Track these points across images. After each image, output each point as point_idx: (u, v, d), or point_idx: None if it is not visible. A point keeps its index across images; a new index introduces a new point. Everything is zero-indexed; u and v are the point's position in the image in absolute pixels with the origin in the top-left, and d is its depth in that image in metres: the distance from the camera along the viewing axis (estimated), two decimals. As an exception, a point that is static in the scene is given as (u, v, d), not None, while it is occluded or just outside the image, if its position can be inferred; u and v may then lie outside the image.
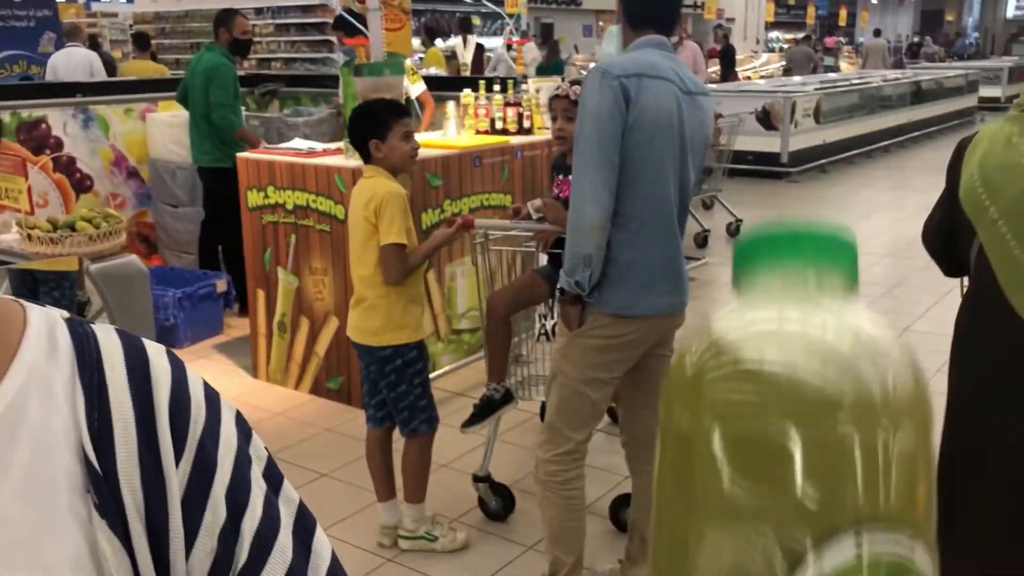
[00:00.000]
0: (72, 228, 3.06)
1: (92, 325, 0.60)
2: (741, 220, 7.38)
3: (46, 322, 0.58)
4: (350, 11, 4.30)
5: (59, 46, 7.27)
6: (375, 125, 2.87)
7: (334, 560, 0.61)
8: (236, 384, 4.41)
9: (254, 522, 0.57)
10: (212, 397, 0.60)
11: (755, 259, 0.32)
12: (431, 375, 4.46)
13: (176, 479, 0.55)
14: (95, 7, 20.40)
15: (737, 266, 0.32)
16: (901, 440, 0.30)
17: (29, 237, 3.05)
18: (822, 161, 11.15)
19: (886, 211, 8.99)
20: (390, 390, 2.92)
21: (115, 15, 19.78)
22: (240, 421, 0.61)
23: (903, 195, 9.89)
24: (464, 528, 3.12)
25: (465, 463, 3.58)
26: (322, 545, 0.62)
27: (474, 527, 3.21)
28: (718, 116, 6.54)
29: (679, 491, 0.31)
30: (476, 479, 3.23)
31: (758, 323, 0.31)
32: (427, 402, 2.99)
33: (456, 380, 4.48)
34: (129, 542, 0.53)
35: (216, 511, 0.56)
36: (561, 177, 3.49)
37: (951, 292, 6.05)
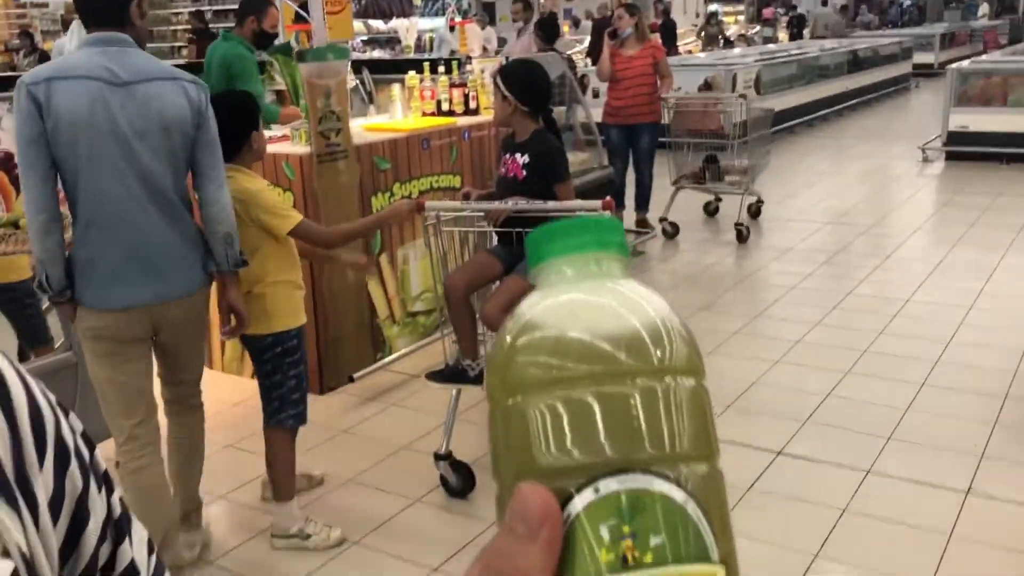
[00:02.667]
0: (16, 226, 3.02)
1: None
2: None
3: None
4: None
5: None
6: (251, 115, 2.86)
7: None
8: None
9: (95, 472, 0.67)
10: (48, 396, 0.66)
11: (544, 250, 0.38)
12: (387, 358, 4.50)
13: (42, 478, 0.61)
14: (23, -3, 19.79)
15: (531, 259, 0.38)
16: (679, 390, 0.35)
17: (-29, 236, 3.00)
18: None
19: (828, 179, 9.17)
20: (265, 379, 2.92)
21: (46, 5, 19.23)
22: (53, 402, 0.67)
23: (843, 163, 10.10)
24: (339, 526, 3.05)
25: (425, 443, 3.61)
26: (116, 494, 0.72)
27: (437, 506, 3.25)
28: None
29: (506, 461, 0.36)
30: (437, 458, 3.26)
31: (555, 303, 0.37)
32: (300, 396, 2.95)
33: (411, 362, 4.50)
34: (19, 511, 0.58)
35: (74, 484, 0.64)
36: (508, 156, 3.53)
37: (891, 256, 6.23)
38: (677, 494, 0.34)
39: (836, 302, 5.30)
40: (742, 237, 6.58)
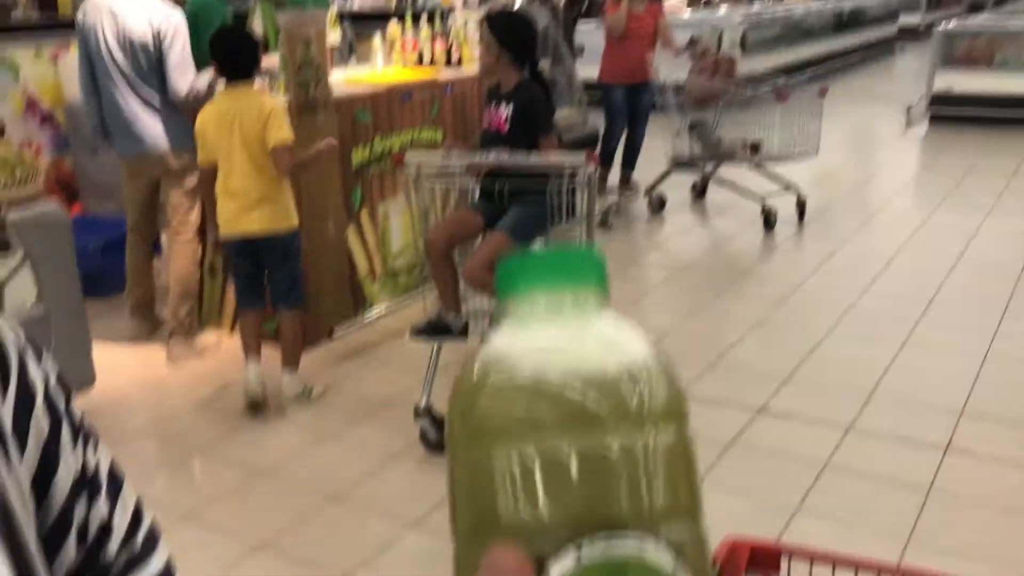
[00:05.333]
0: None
1: None
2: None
3: None
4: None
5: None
6: (256, 43, 3.51)
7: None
8: (199, 341, 4.29)
9: (70, 421, 0.65)
10: (15, 333, 0.64)
11: (516, 283, 0.34)
12: (368, 315, 4.46)
13: (5, 410, 0.59)
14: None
15: (501, 291, 0.35)
16: (660, 440, 0.32)
17: (-60, 185, 2.92)
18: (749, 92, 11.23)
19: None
20: (278, 270, 3.49)
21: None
22: (23, 340, 0.65)
23: (827, 124, 10.01)
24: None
25: (405, 399, 3.59)
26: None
27: (417, 459, 3.23)
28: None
29: (466, 515, 0.33)
30: (417, 413, 3.24)
31: (526, 341, 0.33)
32: (301, 278, 3.58)
33: (392, 321, 4.47)
34: None
35: (39, 427, 0.62)
36: (492, 107, 3.46)
37: (873, 217, 6.23)
38: (666, 560, 0.31)
39: (819, 263, 5.29)
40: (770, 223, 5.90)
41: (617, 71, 6.31)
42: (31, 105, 5.14)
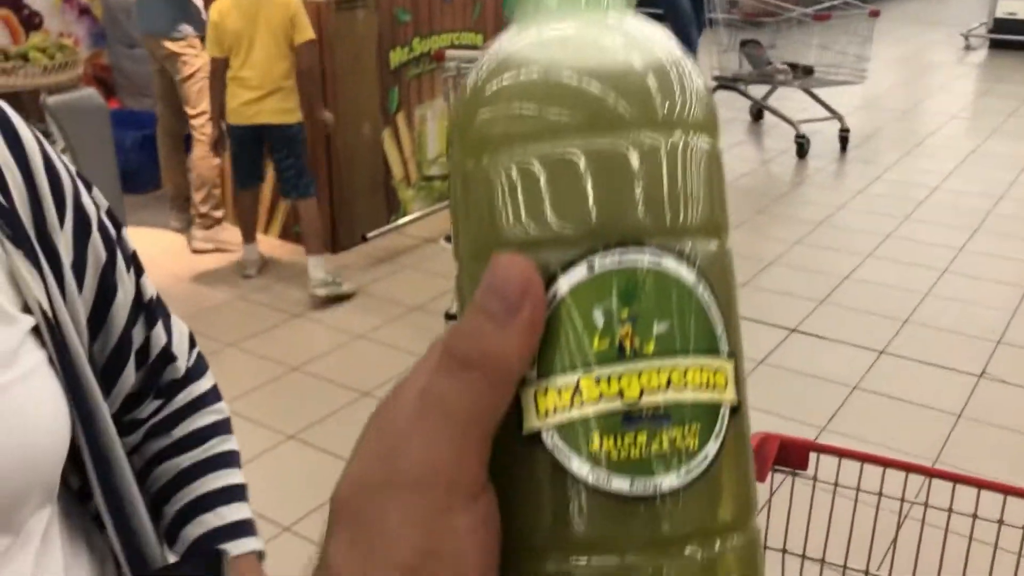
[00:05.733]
0: (25, 58, 2.92)
1: None
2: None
3: None
4: None
5: None
6: None
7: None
8: (224, 232, 4.32)
9: (123, 250, 0.67)
10: (66, 163, 0.63)
11: None
12: (401, 220, 4.44)
13: (63, 239, 0.59)
14: None
15: None
16: (690, 146, 0.29)
17: (-21, 68, 2.91)
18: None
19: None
20: (286, 159, 3.57)
21: None
22: (73, 171, 0.65)
23: (880, 48, 9.67)
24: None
25: (437, 305, 3.60)
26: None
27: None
28: None
29: (468, 234, 0.30)
30: (448, 316, 3.25)
31: (535, 38, 0.29)
32: (307, 167, 3.69)
33: (426, 226, 4.45)
34: (40, 270, 0.56)
35: (97, 253, 0.63)
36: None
37: (922, 144, 6.05)
38: (687, 274, 0.28)
39: (862, 187, 5.17)
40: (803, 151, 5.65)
41: None
42: (69, -4, 5.10)
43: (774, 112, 5.94)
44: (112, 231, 0.66)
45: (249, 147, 3.62)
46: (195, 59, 3.91)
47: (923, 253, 4.22)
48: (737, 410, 0.29)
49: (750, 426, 0.31)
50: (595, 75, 0.28)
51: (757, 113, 6.33)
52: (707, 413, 0.28)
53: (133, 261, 0.68)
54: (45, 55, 2.93)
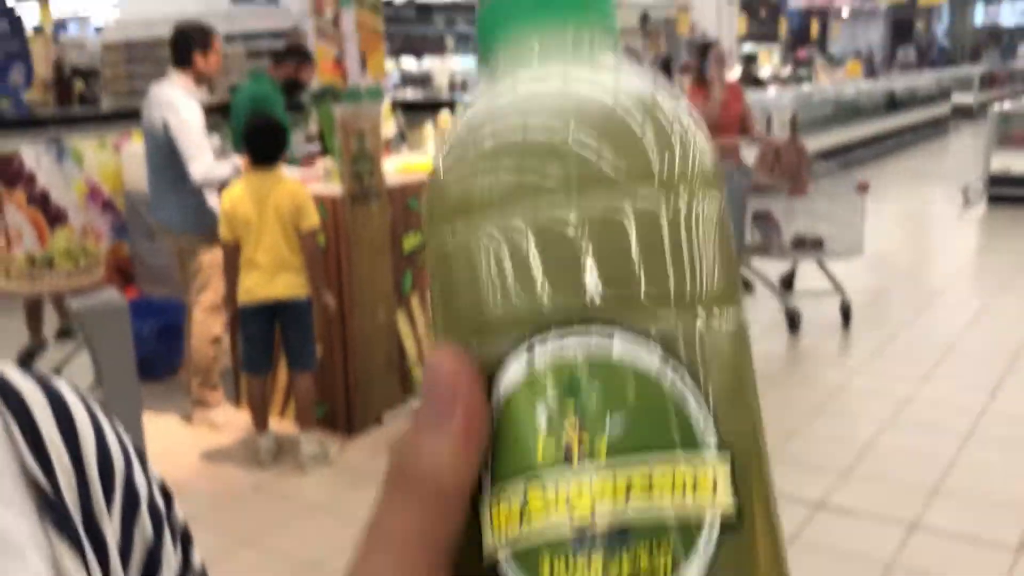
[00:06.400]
0: (50, 264, 3.01)
1: None
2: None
3: None
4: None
5: (29, 78, 7.20)
6: (286, 133, 3.76)
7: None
8: (218, 415, 4.33)
9: (172, 525, 0.65)
10: (121, 438, 0.64)
11: (499, 21, 0.27)
12: (415, 401, 4.43)
13: (111, 524, 0.59)
14: (63, 37, 20.33)
15: (483, 36, 0.27)
16: (695, 206, 0.25)
17: (7, 273, 3.00)
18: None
19: (867, 220, 9.02)
20: (295, 333, 3.71)
21: (83, 45, 19.69)
22: (128, 447, 0.65)
23: (881, 205, 9.91)
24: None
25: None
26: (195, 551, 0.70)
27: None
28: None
29: (436, 315, 0.27)
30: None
31: (503, 93, 0.26)
32: (314, 342, 3.81)
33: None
34: (85, 560, 0.55)
35: (144, 534, 0.61)
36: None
37: (933, 302, 6.08)
38: (648, 357, 0.24)
39: (876, 347, 5.16)
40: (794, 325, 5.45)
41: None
42: (94, 192, 5.31)
43: (765, 283, 5.81)
44: (162, 507, 0.65)
45: (260, 328, 3.70)
46: (204, 254, 4.05)
47: (945, 416, 4.15)
48: (738, 520, 0.25)
49: (776, 537, 0.26)
50: (572, 125, 0.24)
51: (788, 282, 6.12)
52: (684, 526, 0.24)
53: (182, 535, 0.67)
54: (70, 259, 3.02)
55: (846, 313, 5.45)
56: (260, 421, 3.84)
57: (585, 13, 0.26)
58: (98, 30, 20.92)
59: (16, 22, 7.02)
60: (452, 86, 11.89)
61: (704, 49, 6.20)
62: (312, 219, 3.61)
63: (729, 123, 5.97)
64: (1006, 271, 6.75)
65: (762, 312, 6.06)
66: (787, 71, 20.73)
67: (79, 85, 12.30)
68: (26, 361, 3.67)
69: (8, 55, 6.70)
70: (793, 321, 5.39)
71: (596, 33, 0.27)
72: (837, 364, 4.94)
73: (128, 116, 5.59)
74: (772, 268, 5.86)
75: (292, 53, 5.25)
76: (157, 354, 4.67)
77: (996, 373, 4.64)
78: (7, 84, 6.66)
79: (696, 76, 6.09)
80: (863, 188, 5.55)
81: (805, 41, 26.66)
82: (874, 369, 4.86)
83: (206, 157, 3.97)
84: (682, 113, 0.25)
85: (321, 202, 3.99)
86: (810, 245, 5.61)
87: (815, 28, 26.14)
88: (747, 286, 6.13)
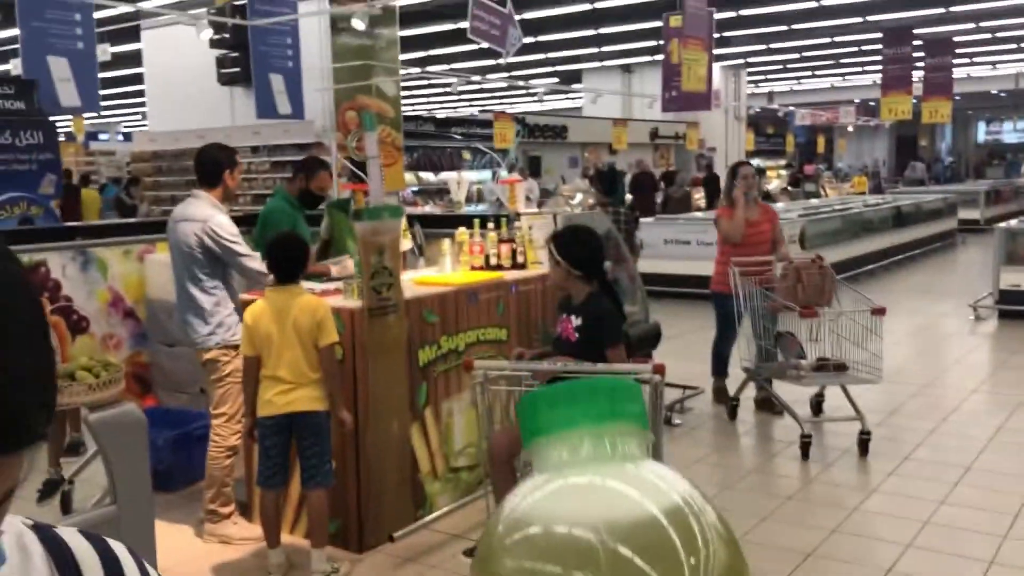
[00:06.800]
0: (71, 377, 3.05)
1: (56, 529, 0.65)
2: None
3: (13, 532, 0.61)
4: (350, 159, 4.43)
5: (59, 189, 7.40)
6: (308, 251, 3.95)
7: None
8: (231, 528, 4.29)
9: None
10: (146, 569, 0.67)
11: (542, 420, 0.29)
12: (428, 516, 4.39)
13: None
14: (93, 146, 20.96)
15: (527, 429, 0.29)
16: None
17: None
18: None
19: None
20: (312, 447, 3.67)
21: (113, 153, 20.27)
22: None
23: (890, 320, 9.93)
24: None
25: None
26: None
27: None
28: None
29: None
30: (466, 553, 3.14)
31: (555, 491, 0.28)
32: (330, 458, 3.77)
33: (453, 521, 4.38)
34: None
35: None
36: (564, 316, 3.54)
37: (947, 419, 6.04)
38: None
39: (893, 467, 5.10)
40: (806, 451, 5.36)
41: (729, 279, 5.76)
42: (115, 300, 5.40)
43: (783, 406, 5.78)
44: None
45: (277, 440, 3.70)
46: (227, 365, 4.11)
47: (965, 541, 4.08)
48: None
49: None
50: (616, 537, 0.26)
51: (817, 406, 6.07)
52: None
53: None
54: (91, 374, 3.06)
55: (864, 444, 5.33)
56: (272, 537, 3.80)
57: (617, 415, 0.29)
58: (127, 136, 21.57)
59: (51, 133, 7.27)
60: (468, 198, 12.19)
61: (734, 170, 6.31)
62: (331, 335, 3.68)
63: (759, 242, 6.02)
64: (1021, 388, 6.72)
65: (781, 430, 6.02)
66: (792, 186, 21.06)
67: (124, 197, 12.65)
68: (48, 492, 3.69)
69: (41, 164, 6.91)
70: (805, 450, 5.32)
71: (627, 434, 0.28)
72: (850, 487, 4.88)
73: (156, 226, 5.72)
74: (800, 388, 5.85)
75: (301, 167, 5.43)
76: (172, 465, 4.66)
77: (1017, 496, 4.57)
78: (38, 193, 6.85)
79: (727, 196, 6.17)
80: (879, 312, 5.41)
81: (812, 156, 27.21)
82: (890, 488, 4.79)
83: (257, 255, 4.15)
84: (707, 514, 0.28)
85: (339, 314, 4.05)
86: (833, 368, 5.53)
87: (821, 143, 26.70)
88: (772, 406, 6.11)
